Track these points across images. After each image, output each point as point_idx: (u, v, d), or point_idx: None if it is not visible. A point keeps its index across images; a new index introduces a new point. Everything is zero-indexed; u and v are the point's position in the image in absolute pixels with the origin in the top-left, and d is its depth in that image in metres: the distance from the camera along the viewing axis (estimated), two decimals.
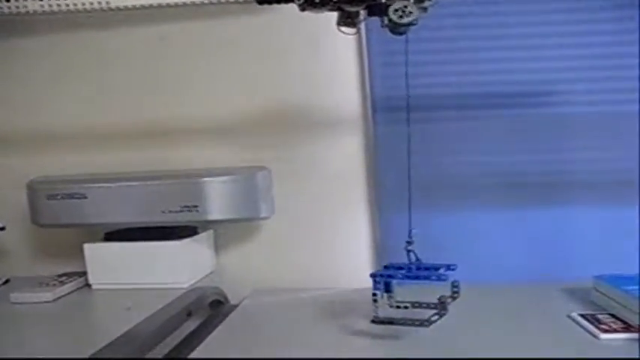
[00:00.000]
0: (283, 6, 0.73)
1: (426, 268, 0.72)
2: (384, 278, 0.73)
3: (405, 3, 0.64)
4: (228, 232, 1.12)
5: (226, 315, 0.85)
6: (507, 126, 1.03)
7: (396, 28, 0.68)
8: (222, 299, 1.01)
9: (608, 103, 1.00)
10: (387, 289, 0.76)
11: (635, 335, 0.67)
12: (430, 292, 0.73)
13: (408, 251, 0.74)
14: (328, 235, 1.10)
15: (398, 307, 0.75)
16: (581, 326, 0.73)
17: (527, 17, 1.00)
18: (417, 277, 0.71)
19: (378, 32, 0.80)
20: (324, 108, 1.08)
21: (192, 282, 0.99)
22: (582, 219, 1.02)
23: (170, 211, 0.94)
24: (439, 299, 0.71)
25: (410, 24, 0.65)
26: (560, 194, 1.03)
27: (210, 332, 0.76)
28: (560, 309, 0.80)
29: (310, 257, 1.11)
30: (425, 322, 0.70)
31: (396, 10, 0.64)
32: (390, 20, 0.65)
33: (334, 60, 1.07)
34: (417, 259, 0.74)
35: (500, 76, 1.02)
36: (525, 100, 1.02)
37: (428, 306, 0.75)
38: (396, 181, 1.05)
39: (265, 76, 1.08)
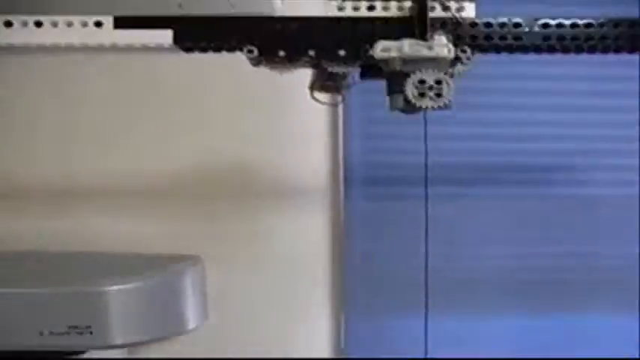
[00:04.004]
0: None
1: None
2: None
3: (437, 76, 0.37)
4: None
5: None
6: (514, 207, 0.80)
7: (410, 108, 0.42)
8: None
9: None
10: None
11: None
12: None
13: None
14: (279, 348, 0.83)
15: None
16: None
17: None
18: None
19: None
20: (285, 173, 0.81)
21: None
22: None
23: (52, 333, 0.63)
24: None
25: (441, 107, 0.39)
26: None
27: None
28: None
29: None
30: None
31: (421, 84, 0.38)
32: (407, 101, 0.39)
33: (303, 120, 0.81)
34: None
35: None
36: (539, 176, 0.80)
37: None
38: (370, 280, 0.80)
39: (212, 128, 0.82)
